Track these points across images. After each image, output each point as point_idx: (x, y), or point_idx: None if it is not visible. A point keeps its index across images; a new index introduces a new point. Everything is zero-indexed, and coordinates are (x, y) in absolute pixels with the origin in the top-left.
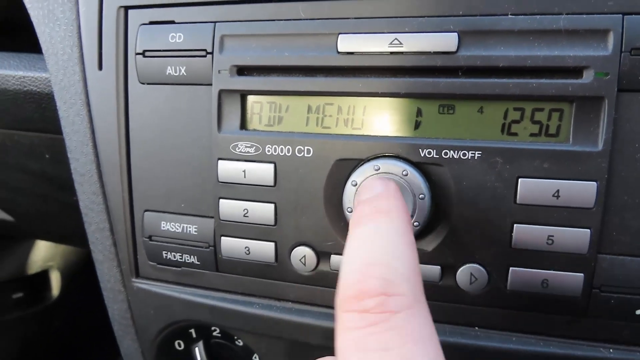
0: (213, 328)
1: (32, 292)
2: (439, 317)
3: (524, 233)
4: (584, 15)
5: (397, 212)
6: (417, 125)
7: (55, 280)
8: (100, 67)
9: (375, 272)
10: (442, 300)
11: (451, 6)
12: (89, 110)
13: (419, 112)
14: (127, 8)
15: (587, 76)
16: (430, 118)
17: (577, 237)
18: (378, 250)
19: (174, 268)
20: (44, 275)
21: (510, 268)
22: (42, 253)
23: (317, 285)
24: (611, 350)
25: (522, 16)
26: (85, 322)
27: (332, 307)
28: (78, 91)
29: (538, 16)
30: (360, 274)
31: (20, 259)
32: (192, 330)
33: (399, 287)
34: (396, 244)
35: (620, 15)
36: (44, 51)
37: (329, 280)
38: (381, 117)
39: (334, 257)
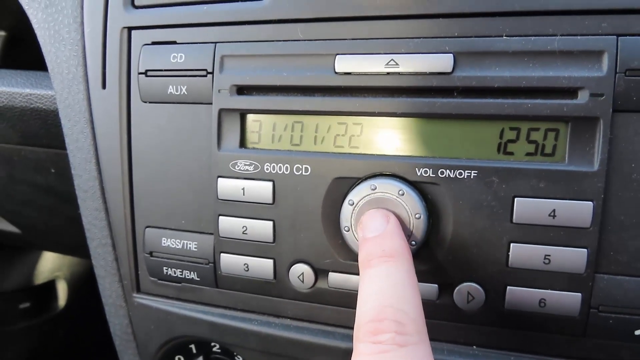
0: (213, 344)
1: (39, 302)
2: (437, 336)
3: (521, 252)
4: (579, 37)
5: (403, 256)
6: (413, 145)
7: (62, 291)
8: (103, 86)
9: (389, 314)
10: (440, 319)
11: (447, 28)
12: (93, 128)
13: (416, 131)
14: (130, 29)
15: (582, 97)
16: (427, 137)
17: (574, 256)
18: (391, 294)
19: (174, 284)
20: (50, 286)
21: (507, 287)
22: (49, 264)
23: (315, 303)
24: None
25: (517, 37)
26: (90, 333)
27: (330, 324)
28: (82, 109)
29: (533, 37)
30: (376, 313)
31: (27, 269)
32: (192, 346)
33: (407, 327)
34: (405, 289)
35: (615, 36)
36: (49, 70)
37: (327, 297)
38: (378, 136)
39: (331, 275)
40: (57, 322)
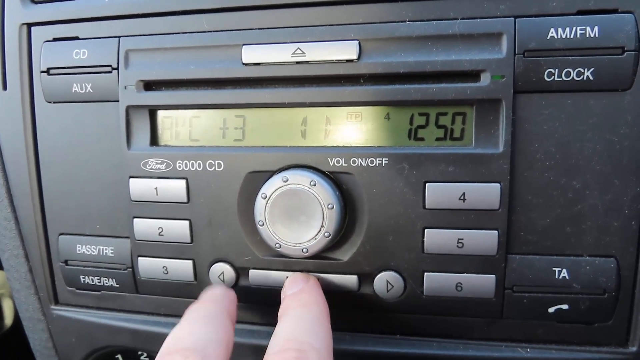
0: (140, 352)
1: None
2: (361, 327)
3: (435, 237)
4: (478, 20)
5: (316, 304)
6: (326, 134)
7: (8, 309)
8: (4, 87)
9: (293, 344)
10: (363, 310)
11: (351, 14)
12: None
13: (327, 121)
14: (29, 25)
15: (484, 79)
16: (339, 126)
17: (485, 238)
18: (299, 330)
19: (93, 292)
20: None
21: (425, 273)
22: None
23: (239, 302)
24: (528, 350)
25: (420, 22)
26: None
27: (254, 323)
28: None
29: (434, 22)
30: (280, 345)
31: None
32: (119, 356)
33: (308, 354)
34: (314, 326)
35: (512, 18)
36: None
37: (250, 296)
38: (291, 127)
39: (252, 272)
40: (5, 342)
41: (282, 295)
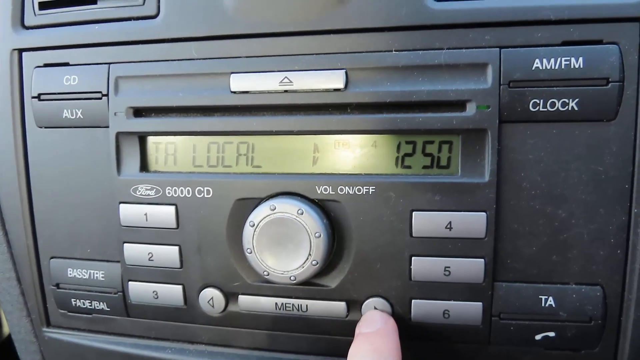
0: None
1: None
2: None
3: (422, 265)
4: (464, 50)
5: (389, 354)
6: (314, 162)
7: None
8: None
9: None
10: (351, 336)
11: (338, 44)
12: None
13: (315, 149)
14: (20, 51)
15: (470, 109)
16: (327, 154)
17: (472, 266)
18: None
19: (84, 315)
20: None
21: (412, 300)
22: None
23: (228, 327)
24: None
25: (406, 52)
26: None
27: (245, 347)
28: None
29: (421, 52)
30: None
31: None
32: None
33: None
34: None
35: (498, 48)
36: None
37: (240, 320)
38: (280, 155)
39: (241, 298)
40: (3, 350)
41: (357, 331)
